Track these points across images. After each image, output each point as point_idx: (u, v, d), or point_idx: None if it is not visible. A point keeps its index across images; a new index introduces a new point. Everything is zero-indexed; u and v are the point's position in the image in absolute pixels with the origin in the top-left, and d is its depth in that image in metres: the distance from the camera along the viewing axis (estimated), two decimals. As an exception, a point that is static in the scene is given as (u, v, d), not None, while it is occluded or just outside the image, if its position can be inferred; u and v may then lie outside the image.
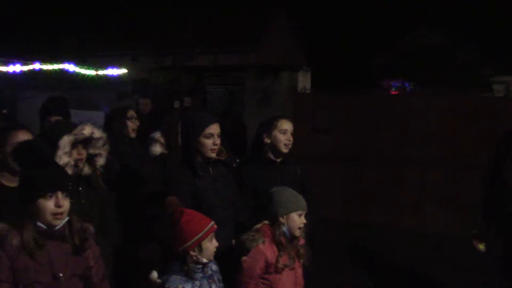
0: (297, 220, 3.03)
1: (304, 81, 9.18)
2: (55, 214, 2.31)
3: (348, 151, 8.34)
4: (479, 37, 17.95)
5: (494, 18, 17.98)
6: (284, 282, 3.01)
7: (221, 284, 2.85)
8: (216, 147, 3.21)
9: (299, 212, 3.05)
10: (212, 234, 2.70)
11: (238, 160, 3.66)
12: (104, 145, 3.07)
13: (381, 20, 19.10)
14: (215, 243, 2.72)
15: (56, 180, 2.33)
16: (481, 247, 3.79)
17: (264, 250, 2.96)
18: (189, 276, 2.64)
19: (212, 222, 2.72)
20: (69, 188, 2.36)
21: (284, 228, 3.03)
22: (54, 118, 4.09)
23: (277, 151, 3.55)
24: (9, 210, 2.44)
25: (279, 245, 2.99)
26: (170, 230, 2.70)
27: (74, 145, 2.87)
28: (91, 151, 3.01)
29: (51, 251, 2.33)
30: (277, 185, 3.26)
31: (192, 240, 2.65)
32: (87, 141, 2.96)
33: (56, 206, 2.30)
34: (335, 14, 19.46)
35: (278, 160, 3.58)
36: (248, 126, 8.48)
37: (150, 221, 4.09)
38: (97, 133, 3.00)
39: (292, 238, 3.05)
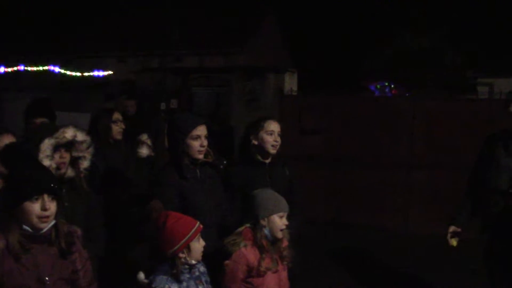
0: (279, 222, 3.02)
1: (290, 83, 9.21)
2: (41, 218, 2.28)
3: (335, 153, 8.36)
4: (464, 40, 18.18)
5: (479, 21, 18.25)
6: (268, 285, 2.99)
7: (209, 286, 2.84)
8: (203, 149, 3.20)
9: (280, 214, 3.03)
10: (199, 234, 2.71)
11: (225, 162, 3.64)
12: (88, 148, 3.04)
13: (368, 22, 19.26)
14: (202, 242, 2.73)
15: (42, 182, 2.30)
16: (454, 243, 3.85)
17: (246, 253, 2.95)
18: (176, 278, 2.64)
19: (198, 223, 2.72)
20: (56, 191, 2.34)
21: (266, 231, 3.01)
22: (39, 120, 4.05)
23: (264, 152, 3.55)
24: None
25: (260, 248, 2.98)
26: (157, 234, 2.70)
27: (56, 148, 2.85)
28: (75, 154, 2.98)
29: (37, 255, 2.31)
30: (266, 186, 3.26)
31: (181, 243, 2.65)
32: (70, 144, 2.93)
33: (42, 209, 2.27)
34: (323, 17, 19.58)
35: (267, 161, 3.58)
36: (235, 128, 8.48)
37: (137, 222, 4.07)
38: (80, 136, 2.98)
39: (275, 240, 3.04)
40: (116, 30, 13.53)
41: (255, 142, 3.55)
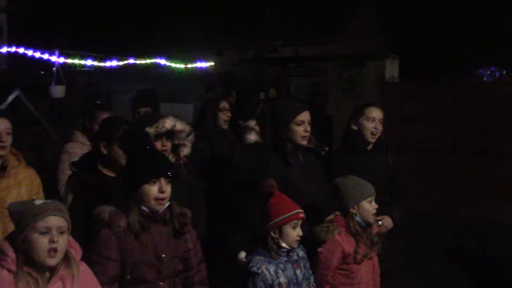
0: (369, 207, 2.96)
1: (392, 69, 8.93)
2: (158, 199, 2.44)
3: (438, 142, 8.04)
4: None
5: None
6: (362, 271, 2.98)
7: (309, 271, 2.86)
8: (307, 135, 3.21)
9: (369, 199, 2.97)
10: (296, 221, 2.71)
11: (327, 149, 3.63)
12: (187, 136, 3.15)
13: (472, 2, 18.06)
14: (298, 231, 2.72)
15: (160, 167, 2.46)
16: None
17: (341, 241, 2.93)
18: (271, 256, 2.69)
19: (299, 210, 2.73)
20: (171, 174, 2.48)
21: (358, 218, 2.97)
22: (143, 110, 4.28)
23: (363, 139, 3.48)
24: (114, 196, 2.63)
25: (356, 236, 2.95)
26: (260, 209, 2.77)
27: (158, 137, 2.98)
28: (176, 142, 3.11)
29: (154, 234, 2.47)
30: (368, 173, 3.22)
31: (274, 221, 2.69)
32: (170, 133, 3.05)
33: (159, 192, 2.43)
34: (422, -1, 18.65)
35: (368, 148, 3.51)
36: (334, 117, 8.42)
37: (240, 208, 4.20)
38: (179, 126, 3.09)
39: (367, 225, 3.00)
40: (214, 23, 13.92)
41: (355, 128, 3.48)
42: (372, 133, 3.44)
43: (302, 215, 2.73)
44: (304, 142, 3.22)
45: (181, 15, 13.87)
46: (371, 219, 2.99)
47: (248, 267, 2.69)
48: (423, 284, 5.22)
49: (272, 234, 2.70)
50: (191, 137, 3.18)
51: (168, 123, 3.03)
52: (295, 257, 2.79)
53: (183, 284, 2.60)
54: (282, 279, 2.69)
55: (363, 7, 14.56)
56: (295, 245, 2.75)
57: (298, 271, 2.77)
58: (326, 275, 2.92)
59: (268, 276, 2.66)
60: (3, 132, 2.81)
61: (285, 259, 2.74)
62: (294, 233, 2.70)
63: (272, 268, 2.67)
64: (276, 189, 2.82)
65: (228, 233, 4.25)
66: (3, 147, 2.82)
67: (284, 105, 3.33)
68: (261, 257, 2.70)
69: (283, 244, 2.71)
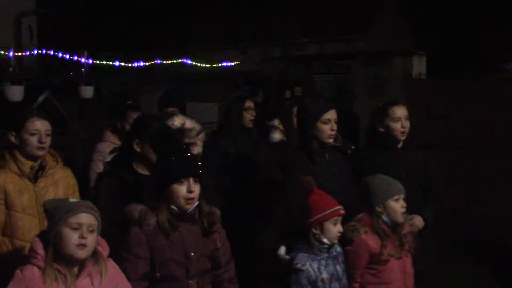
0: (395, 206, 2.93)
1: (419, 66, 8.83)
2: (187, 199, 2.47)
3: (466, 139, 7.91)
4: None
5: None
6: (391, 271, 2.95)
7: (344, 266, 2.88)
8: (333, 133, 3.21)
9: (395, 197, 2.93)
10: (336, 217, 2.75)
11: (353, 147, 3.61)
12: (197, 134, 3.15)
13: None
14: (339, 227, 2.76)
15: (189, 167, 2.50)
16: None
17: (367, 240, 2.91)
18: (314, 252, 2.72)
19: (339, 206, 2.76)
20: (200, 174, 2.52)
21: (384, 217, 2.94)
22: (170, 110, 4.32)
23: (394, 139, 3.45)
24: (146, 195, 2.67)
25: (381, 235, 2.92)
26: (299, 206, 2.79)
27: None
28: (186, 140, 3.10)
29: (183, 232, 2.50)
30: (399, 171, 3.19)
31: (315, 217, 2.72)
32: (180, 132, 3.05)
33: (188, 191, 2.46)
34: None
35: (398, 146, 3.47)
36: (360, 115, 8.36)
37: (266, 206, 4.21)
38: (189, 124, 3.10)
39: (396, 225, 2.96)
40: (239, 22, 13.96)
41: (381, 130, 3.44)
42: (401, 133, 3.41)
43: (342, 211, 2.76)
44: (330, 141, 3.22)
45: (206, 15, 13.97)
46: (399, 218, 2.95)
47: (292, 264, 2.71)
48: (455, 283, 5.15)
49: (313, 230, 2.73)
50: (202, 135, 3.19)
51: (178, 121, 3.06)
52: (335, 253, 2.82)
53: (212, 283, 2.64)
54: (325, 275, 2.72)
55: (388, 4, 14.40)
56: (336, 241, 2.78)
57: (338, 267, 2.80)
58: (354, 274, 2.93)
59: (312, 273, 2.69)
60: (43, 133, 2.89)
61: (326, 255, 2.77)
62: (335, 229, 2.74)
63: (315, 265, 2.71)
64: (315, 186, 2.83)
65: (256, 230, 4.28)
66: (42, 148, 2.89)
67: (311, 103, 3.34)
68: (304, 254, 2.72)
69: (325, 240, 2.74)
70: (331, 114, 3.21)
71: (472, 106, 7.95)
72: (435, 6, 18.11)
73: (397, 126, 3.39)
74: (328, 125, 3.19)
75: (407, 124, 3.42)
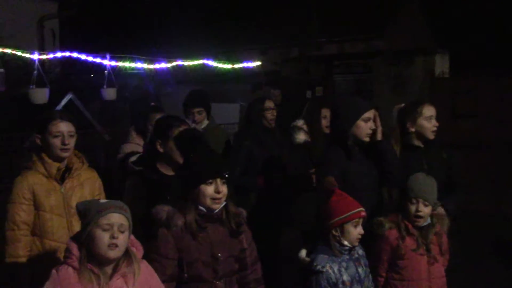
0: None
1: (441, 64, 8.71)
2: (214, 199, 2.47)
3: (492, 137, 7.78)
4: None
5: None
6: (414, 269, 2.96)
7: (368, 269, 2.86)
8: (371, 132, 3.21)
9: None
10: (357, 219, 2.72)
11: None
12: None
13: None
14: (360, 230, 2.74)
15: (216, 167, 2.50)
16: None
17: (389, 235, 2.95)
18: (334, 254, 2.70)
19: (361, 208, 2.74)
20: (227, 175, 2.52)
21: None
22: (196, 110, 4.34)
23: (423, 138, 3.46)
24: (170, 195, 2.69)
25: (401, 231, 2.95)
26: (320, 207, 2.78)
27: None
28: None
29: (210, 233, 2.51)
30: (423, 170, 3.18)
31: (335, 219, 2.70)
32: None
33: (215, 192, 2.46)
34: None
35: (422, 145, 3.48)
36: (381, 115, 8.28)
37: (288, 207, 4.20)
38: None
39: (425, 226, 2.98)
40: (259, 23, 13.97)
41: (413, 129, 3.46)
42: (433, 132, 3.45)
43: (363, 213, 2.75)
44: (367, 139, 3.22)
45: (226, 17, 14.02)
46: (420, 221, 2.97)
47: (312, 266, 2.70)
48: (480, 285, 5.06)
49: (333, 232, 2.72)
50: None
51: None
52: (356, 255, 2.81)
53: (239, 283, 2.63)
54: (346, 277, 2.70)
55: (408, 2, 14.24)
56: (356, 243, 2.76)
57: (359, 269, 2.78)
58: (378, 268, 2.98)
59: (332, 275, 2.67)
60: (66, 135, 2.92)
61: (347, 257, 2.75)
62: (356, 231, 2.72)
63: (335, 267, 2.69)
64: (337, 187, 2.81)
65: (279, 231, 4.27)
66: (66, 149, 2.93)
67: (351, 101, 3.36)
68: (325, 256, 2.70)
69: (345, 242, 2.72)
70: (372, 113, 3.22)
71: (497, 105, 7.82)
72: (458, 3, 17.86)
73: (429, 125, 3.43)
74: (368, 124, 3.20)
75: (437, 123, 3.46)
